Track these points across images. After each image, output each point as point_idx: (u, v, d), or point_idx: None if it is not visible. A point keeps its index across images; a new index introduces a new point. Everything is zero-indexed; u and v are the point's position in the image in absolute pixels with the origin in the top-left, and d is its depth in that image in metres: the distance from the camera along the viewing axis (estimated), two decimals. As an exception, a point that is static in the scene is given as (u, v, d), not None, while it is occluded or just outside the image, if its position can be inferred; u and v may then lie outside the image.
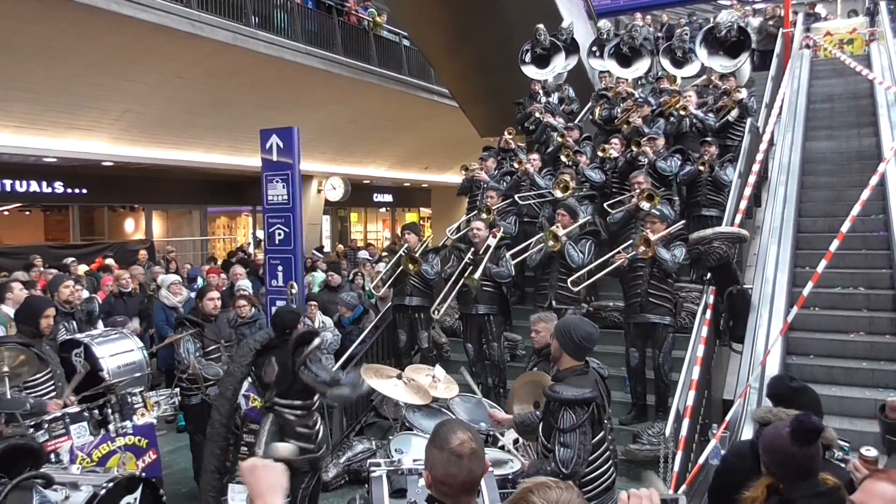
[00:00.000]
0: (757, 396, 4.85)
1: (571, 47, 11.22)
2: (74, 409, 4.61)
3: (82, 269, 10.23)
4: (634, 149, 7.93)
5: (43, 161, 12.95)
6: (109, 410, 4.80)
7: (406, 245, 6.99)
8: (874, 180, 5.15)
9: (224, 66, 12.38)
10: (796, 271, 6.63)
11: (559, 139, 8.88)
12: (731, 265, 5.87)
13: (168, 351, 6.73)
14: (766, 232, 6.98)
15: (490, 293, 6.53)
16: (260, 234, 18.00)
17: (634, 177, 7.10)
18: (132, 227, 17.01)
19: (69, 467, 3.94)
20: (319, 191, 18.65)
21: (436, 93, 17.29)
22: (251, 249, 16.62)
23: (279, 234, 6.52)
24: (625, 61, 10.83)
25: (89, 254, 12.90)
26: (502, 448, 4.25)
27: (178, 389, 5.41)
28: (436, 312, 6.80)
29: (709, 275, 6.02)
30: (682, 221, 6.49)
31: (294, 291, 6.60)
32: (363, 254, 13.25)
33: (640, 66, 10.83)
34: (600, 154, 8.38)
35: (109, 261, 10.95)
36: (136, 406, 4.96)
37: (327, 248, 19.08)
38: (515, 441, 4.32)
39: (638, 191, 6.80)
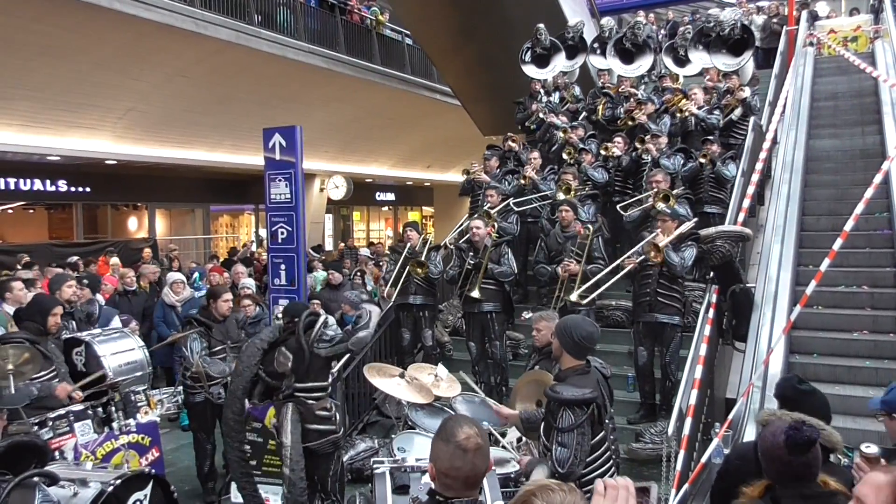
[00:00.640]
0: (760, 395, 4.84)
1: (580, 46, 11.21)
2: (78, 407, 4.63)
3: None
4: (638, 145, 7.92)
5: (46, 159, 12.98)
6: (113, 408, 4.82)
7: (409, 244, 7.00)
8: (878, 178, 5.13)
9: (227, 64, 12.39)
10: (799, 270, 6.61)
11: (562, 135, 8.88)
12: (734, 264, 5.86)
13: (164, 349, 6.75)
14: (770, 230, 6.96)
15: (493, 291, 6.54)
16: (262, 232, 18.04)
17: (653, 175, 7.08)
18: (135, 226, 17.04)
19: (79, 464, 3.96)
20: (322, 189, 18.66)
21: (438, 91, 17.28)
22: (254, 248, 16.64)
23: (282, 233, 6.52)
24: (627, 58, 10.81)
25: (92, 252, 12.92)
26: (503, 448, 4.25)
27: (181, 388, 5.43)
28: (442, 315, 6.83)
29: (712, 273, 6.01)
30: (695, 219, 6.43)
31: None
32: (364, 251, 13.26)
33: (643, 64, 10.81)
34: (603, 153, 8.38)
35: (114, 259, 10.95)
36: (139, 404, 4.98)
37: (329, 247, 19.10)
38: (518, 440, 4.32)
39: (654, 190, 6.79)
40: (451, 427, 2.04)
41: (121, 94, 11.81)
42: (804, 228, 7.38)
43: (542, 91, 10.40)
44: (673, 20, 15.33)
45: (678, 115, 8.74)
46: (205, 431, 5.54)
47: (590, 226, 6.59)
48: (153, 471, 3.93)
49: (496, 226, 7.16)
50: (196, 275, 9.76)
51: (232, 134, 14.39)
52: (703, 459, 4.20)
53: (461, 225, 8.26)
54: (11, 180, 13.52)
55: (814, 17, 13.37)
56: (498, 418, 4.13)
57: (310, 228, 15.03)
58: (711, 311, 5.58)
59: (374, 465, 3.62)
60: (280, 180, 6.45)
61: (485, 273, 6.45)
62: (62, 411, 4.50)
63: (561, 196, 7.38)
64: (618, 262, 6.21)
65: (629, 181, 8.09)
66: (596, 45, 11.53)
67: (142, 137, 13.19)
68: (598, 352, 5.36)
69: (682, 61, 10.76)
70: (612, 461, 3.37)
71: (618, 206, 7.37)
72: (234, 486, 4.29)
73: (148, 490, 3.70)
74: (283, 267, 6.54)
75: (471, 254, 6.62)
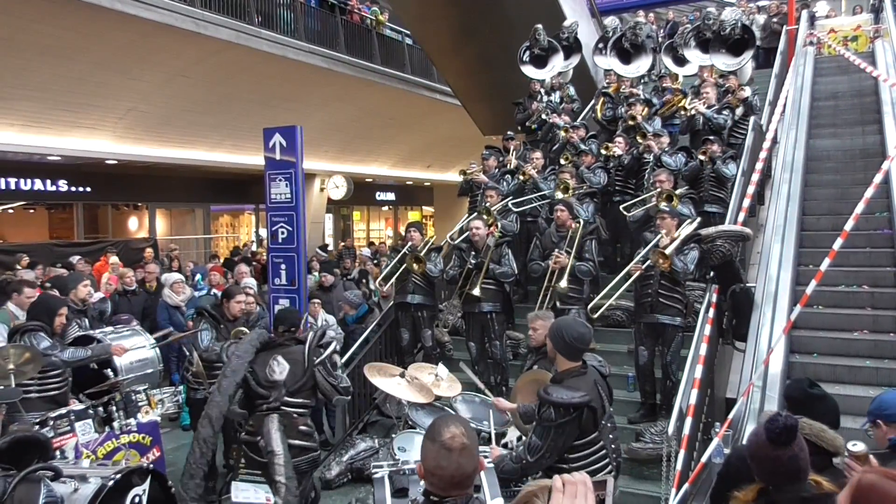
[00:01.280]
0: (760, 395, 4.84)
1: (574, 46, 11.20)
2: (79, 406, 4.65)
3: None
4: (640, 140, 7.92)
5: (47, 159, 12.99)
6: (114, 408, 4.84)
7: (410, 243, 7.00)
8: (878, 178, 5.13)
9: (227, 64, 12.40)
10: (800, 269, 6.61)
11: (564, 135, 8.88)
12: (734, 263, 5.86)
13: (162, 349, 6.76)
14: (770, 230, 6.96)
15: (493, 291, 6.54)
16: (263, 232, 18.05)
17: (656, 175, 7.07)
18: (136, 226, 17.06)
19: (77, 461, 3.97)
20: (322, 189, 18.67)
21: (438, 91, 17.29)
22: (254, 247, 16.65)
23: (282, 233, 6.52)
24: (626, 58, 10.81)
25: (93, 252, 12.92)
26: (505, 446, 4.25)
27: (182, 387, 5.44)
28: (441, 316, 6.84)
29: (712, 273, 6.01)
30: (698, 219, 6.42)
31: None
32: (365, 251, 13.26)
33: (642, 65, 10.81)
34: (604, 152, 8.37)
35: (114, 258, 10.95)
36: (140, 404, 5.00)
37: (330, 247, 19.10)
38: (518, 439, 4.33)
39: (658, 190, 6.78)
40: (438, 426, 2.02)
41: (121, 94, 11.82)
42: (804, 228, 7.38)
43: (542, 91, 10.39)
44: (673, 20, 15.34)
45: (682, 113, 8.72)
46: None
47: (581, 220, 6.55)
48: (151, 465, 3.93)
49: (498, 224, 7.16)
50: (198, 276, 9.77)
51: (232, 134, 14.40)
52: (704, 459, 4.20)
53: (461, 227, 8.24)
54: (12, 180, 13.53)
55: (814, 17, 13.38)
56: (500, 418, 4.13)
57: (310, 228, 15.03)
58: (712, 311, 5.58)
59: (373, 469, 3.61)
60: (280, 180, 6.46)
61: (486, 273, 6.46)
62: (63, 410, 4.52)
63: (559, 195, 7.38)
64: (626, 269, 6.19)
65: (630, 181, 8.08)
66: (601, 45, 11.53)
67: (142, 137, 13.20)
68: (597, 351, 5.38)
69: (682, 60, 10.75)
70: (608, 460, 3.36)
71: (621, 207, 7.35)
72: (234, 485, 4.29)
73: (146, 485, 3.71)
74: (283, 267, 6.55)
75: (472, 253, 6.63)
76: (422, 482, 3.52)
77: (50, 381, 4.73)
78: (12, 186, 13.59)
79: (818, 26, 12.80)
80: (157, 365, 5.65)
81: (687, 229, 5.98)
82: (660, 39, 12.91)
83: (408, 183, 23.75)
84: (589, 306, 6.13)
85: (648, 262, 5.87)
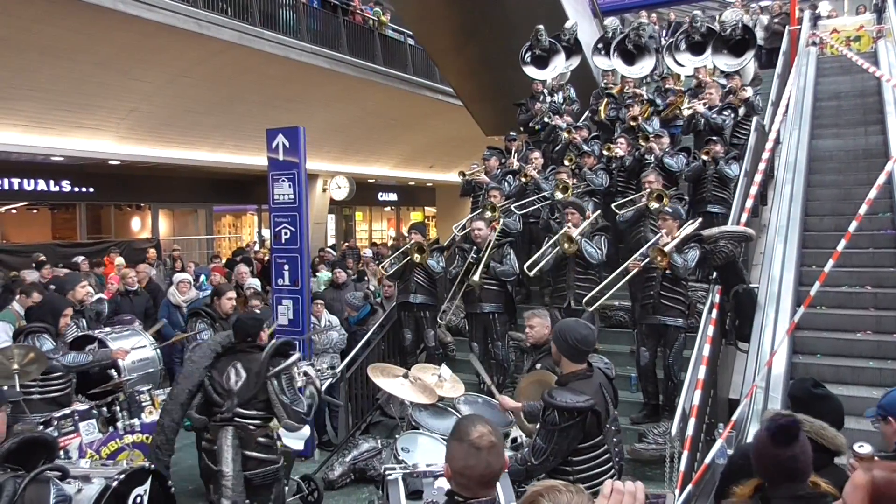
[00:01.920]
0: (763, 396, 4.85)
1: (574, 48, 11.20)
2: (83, 406, 4.67)
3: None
4: (642, 143, 7.92)
5: (50, 160, 13.02)
6: (118, 408, 4.85)
7: (414, 241, 7.01)
8: (881, 179, 5.13)
9: (230, 65, 12.41)
10: (803, 270, 6.61)
11: (566, 136, 8.88)
12: (737, 264, 5.87)
13: (165, 350, 6.77)
14: (773, 230, 6.96)
15: (495, 292, 6.55)
16: (265, 232, 18.06)
17: (645, 176, 7.08)
18: (138, 226, 17.08)
19: (79, 461, 3.99)
20: (325, 190, 18.68)
21: (441, 92, 17.30)
22: (256, 248, 16.66)
23: (285, 234, 6.52)
24: (629, 59, 10.80)
25: (96, 252, 12.95)
26: (514, 440, 4.24)
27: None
28: (443, 316, 6.84)
29: (715, 274, 6.01)
30: (700, 220, 6.42)
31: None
32: (367, 252, 13.26)
33: (646, 66, 10.79)
34: (605, 153, 8.38)
35: (119, 259, 10.98)
36: (143, 404, 5.02)
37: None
38: (514, 440, 4.32)
39: (648, 190, 6.80)
40: (465, 426, 2.07)
41: (124, 95, 11.83)
42: (807, 229, 7.37)
43: (544, 92, 10.39)
44: (675, 21, 15.33)
45: (679, 112, 8.72)
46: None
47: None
48: (152, 465, 3.94)
49: (501, 222, 7.17)
50: (203, 276, 9.79)
51: (234, 134, 14.42)
52: (707, 460, 4.20)
53: (464, 224, 8.24)
54: (15, 180, 13.56)
55: (818, 17, 13.36)
56: (502, 418, 4.13)
57: (312, 229, 15.03)
58: (715, 312, 5.58)
59: (386, 472, 3.60)
60: (283, 181, 6.46)
61: (486, 268, 6.46)
62: (67, 410, 4.54)
63: (559, 195, 7.38)
64: (621, 268, 6.20)
65: (632, 182, 8.08)
66: (600, 46, 11.52)
67: (145, 138, 13.22)
68: (601, 353, 5.38)
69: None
70: (611, 463, 3.35)
71: (612, 206, 7.36)
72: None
73: (147, 485, 3.72)
74: (286, 267, 6.54)
75: (473, 247, 6.64)
76: (436, 485, 3.55)
77: (52, 383, 4.73)
78: (15, 187, 13.62)
79: (821, 26, 12.79)
80: (157, 364, 5.66)
81: (688, 229, 5.99)
82: (662, 40, 12.89)
83: (410, 183, 23.76)
84: (584, 299, 6.11)
85: (647, 259, 5.88)
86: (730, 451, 3.94)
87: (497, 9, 12.06)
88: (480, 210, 7.58)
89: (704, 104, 8.48)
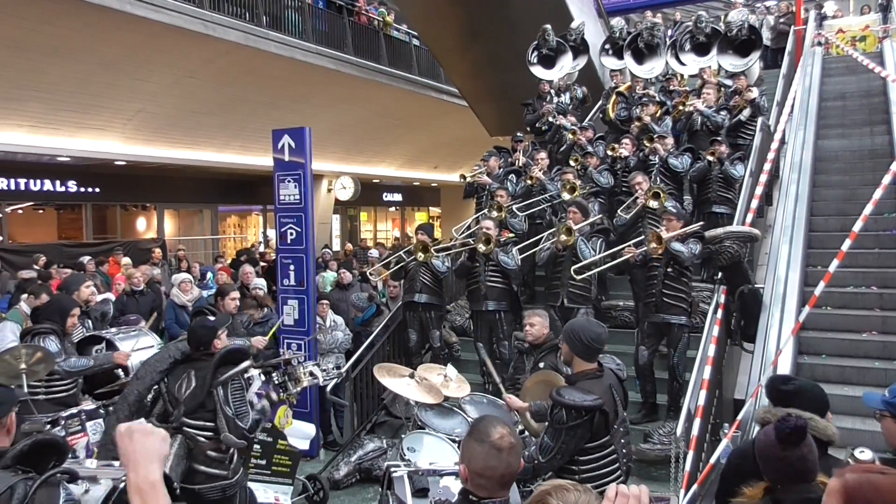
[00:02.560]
0: (768, 396, 4.84)
1: (581, 47, 11.19)
2: (90, 405, 4.68)
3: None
4: (647, 144, 7.92)
5: (56, 160, 13.09)
6: (124, 408, 4.85)
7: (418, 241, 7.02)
8: (887, 179, 5.11)
9: (235, 65, 12.45)
10: (808, 270, 6.61)
11: (571, 137, 8.88)
12: (742, 264, 5.86)
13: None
14: (778, 231, 6.95)
15: (500, 290, 6.55)
16: (270, 232, 18.11)
17: (633, 178, 7.10)
18: (144, 226, 17.14)
19: (84, 461, 3.99)
20: (329, 190, 18.72)
21: (445, 92, 17.31)
22: (262, 248, 16.70)
23: (291, 234, 6.54)
24: (639, 58, 10.78)
25: (102, 252, 13.00)
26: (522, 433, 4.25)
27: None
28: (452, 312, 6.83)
29: (720, 274, 6.01)
30: (701, 223, 6.45)
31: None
32: (373, 252, 13.27)
33: (656, 66, 10.78)
34: (610, 153, 8.37)
35: (125, 259, 11.02)
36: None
37: (336, 248, 19.14)
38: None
39: (644, 189, 6.80)
40: (484, 427, 2.08)
41: (130, 95, 11.88)
42: (813, 229, 7.37)
43: (552, 92, 10.37)
44: (680, 20, 15.30)
45: (682, 108, 8.72)
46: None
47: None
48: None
49: (509, 226, 7.19)
50: (209, 275, 9.84)
51: (240, 135, 14.46)
52: (712, 460, 4.20)
53: (469, 224, 8.25)
54: (22, 181, 13.64)
55: (822, 17, 13.33)
56: (507, 419, 4.13)
57: (317, 229, 15.05)
58: (720, 312, 5.58)
59: (392, 470, 3.61)
60: (289, 181, 6.48)
61: (488, 260, 6.49)
62: (74, 410, 4.55)
63: (566, 196, 7.38)
64: (615, 249, 6.23)
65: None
66: (607, 46, 11.51)
67: (151, 138, 13.27)
68: (606, 353, 5.38)
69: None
70: (618, 465, 3.35)
71: (619, 211, 7.34)
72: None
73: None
74: (291, 267, 6.56)
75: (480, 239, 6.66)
76: (441, 483, 3.56)
77: (56, 385, 4.73)
78: (22, 187, 13.70)
79: (826, 26, 12.76)
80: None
81: (689, 227, 6.03)
82: (666, 41, 12.88)
83: (415, 184, 23.79)
84: (573, 267, 6.10)
85: (644, 249, 5.91)
86: (733, 452, 3.94)
87: (502, 9, 12.06)
88: (488, 209, 7.59)
89: (703, 103, 8.49)
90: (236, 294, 5.93)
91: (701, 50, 10.21)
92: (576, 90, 10.61)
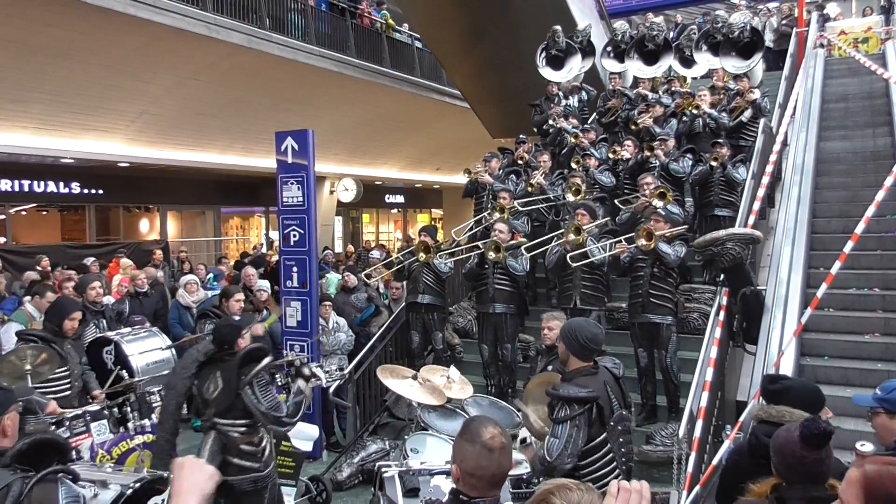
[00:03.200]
0: (770, 398, 4.84)
1: (588, 49, 11.20)
2: (95, 407, 4.69)
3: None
4: (647, 153, 7.93)
5: (60, 162, 13.12)
6: (129, 409, 4.87)
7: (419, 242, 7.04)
8: (889, 181, 5.13)
9: (238, 68, 12.48)
10: (810, 272, 6.61)
11: (573, 140, 8.89)
12: (744, 266, 5.87)
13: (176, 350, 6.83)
14: (780, 233, 6.96)
15: (508, 292, 6.56)
16: (273, 234, 18.12)
17: (643, 178, 7.11)
18: (147, 228, 17.18)
19: (102, 466, 4.00)
20: (332, 192, 18.73)
21: (448, 94, 17.33)
22: (264, 250, 16.71)
23: (294, 236, 6.56)
24: (649, 60, 10.78)
25: (105, 254, 13.03)
26: (524, 441, 4.26)
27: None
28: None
29: (722, 276, 6.02)
30: (685, 226, 6.52)
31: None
32: (375, 254, 13.28)
33: (662, 64, 10.76)
34: (611, 156, 8.38)
35: (125, 260, 11.05)
36: (154, 405, 5.03)
37: (338, 249, 19.16)
38: (522, 441, 4.34)
39: (652, 188, 6.82)
40: (476, 427, 2.11)
41: (134, 97, 11.92)
42: (815, 231, 7.37)
43: (560, 94, 10.36)
44: (682, 22, 15.31)
45: (685, 116, 8.73)
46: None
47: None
48: (172, 475, 3.94)
49: (523, 237, 7.21)
50: (210, 275, 9.86)
51: (243, 137, 14.49)
52: (715, 462, 4.21)
53: (470, 226, 8.25)
54: (25, 182, 13.67)
55: (824, 19, 13.34)
56: (510, 419, 4.14)
57: (319, 231, 15.09)
58: (722, 314, 5.59)
59: (382, 469, 3.63)
60: (292, 183, 6.50)
61: (496, 263, 6.49)
62: (79, 411, 4.56)
63: (570, 198, 7.39)
64: (611, 241, 6.31)
65: (637, 184, 8.08)
66: (609, 49, 11.51)
67: (154, 140, 13.31)
68: (609, 354, 5.38)
69: (689, 62, 10.74)
70: (615, 463, 3.36)
71: (623, 211, 7.36)
72: None
73: (166, 494, 3.73)
74: (294, 269, 6.58)
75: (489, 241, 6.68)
76: (432, 483, 3.57)
77: (52, 387, 4.73)
78: (25, 188, 13.73)
79: (828, 28, 12.76)
80: (172, 365, 5.69)
81: (675, 229, 6.10)
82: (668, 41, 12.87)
83: (417, 185, 23.80)
84: (570, 254, 6.16)
85: (634, 245, 5.96)
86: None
87: (504, 12, 12.08)
88: (490, 211, 7.60)
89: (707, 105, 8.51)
90: (240, 295, 5.95)
91: (716, 50, 10.17)
92: (583, 92, 10.60)
